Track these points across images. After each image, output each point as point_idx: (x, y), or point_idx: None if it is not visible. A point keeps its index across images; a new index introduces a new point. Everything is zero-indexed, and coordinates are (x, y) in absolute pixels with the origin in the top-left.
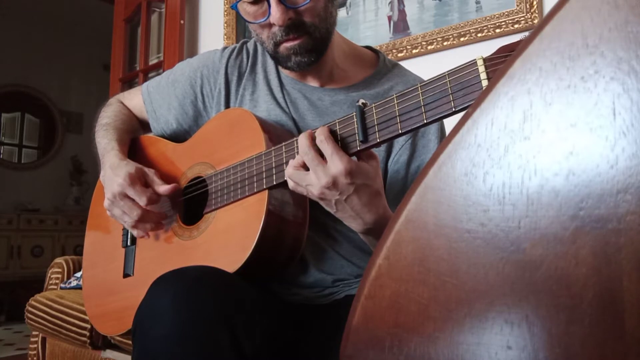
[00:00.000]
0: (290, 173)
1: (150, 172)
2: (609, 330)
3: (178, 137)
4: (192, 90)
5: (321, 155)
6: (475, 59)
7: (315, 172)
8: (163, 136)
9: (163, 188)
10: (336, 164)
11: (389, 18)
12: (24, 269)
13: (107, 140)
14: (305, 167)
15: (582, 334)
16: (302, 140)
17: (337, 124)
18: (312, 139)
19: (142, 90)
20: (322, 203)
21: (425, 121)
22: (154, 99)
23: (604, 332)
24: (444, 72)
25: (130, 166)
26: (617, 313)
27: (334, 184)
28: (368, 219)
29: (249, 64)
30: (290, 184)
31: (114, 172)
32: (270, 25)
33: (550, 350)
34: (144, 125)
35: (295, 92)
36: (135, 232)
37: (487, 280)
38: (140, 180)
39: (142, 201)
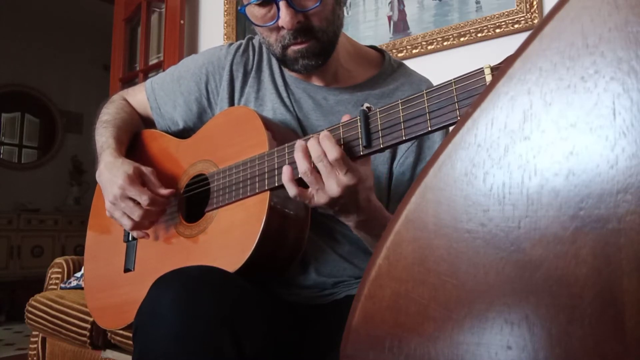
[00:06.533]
0: (305, 170)
1: (147, 171)
2: (609, 330)
3: (182, 133)
4: (197, 87)
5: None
6: (482, 67)
7: (327, 181)
8: (167, 132)
9: (163, 191)
10: (349, 176)
11: (389, 18)
12: (24, 269)
13: (105, 139)
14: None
15: (582, 334)
16: (317, 147)
17: (340, 127)
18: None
19: (146, 86)
20: (323, 208)
21: (429, 128)
22: (159, 96)
23: (604, 332)
24: (450, 80)
25: (127, 166)
26: (617, 313)
27: (343, 194)
28: (361, 216)
29: (255, 61)
30: (292, 192)
31: (110, 172)
32: (278, 29)
33: (550, 350)
34: (147, 123)
35: (299, 92)
36: (134, 234)
37: (487, 280)
38: (138, 180)
39: (143, 200)
